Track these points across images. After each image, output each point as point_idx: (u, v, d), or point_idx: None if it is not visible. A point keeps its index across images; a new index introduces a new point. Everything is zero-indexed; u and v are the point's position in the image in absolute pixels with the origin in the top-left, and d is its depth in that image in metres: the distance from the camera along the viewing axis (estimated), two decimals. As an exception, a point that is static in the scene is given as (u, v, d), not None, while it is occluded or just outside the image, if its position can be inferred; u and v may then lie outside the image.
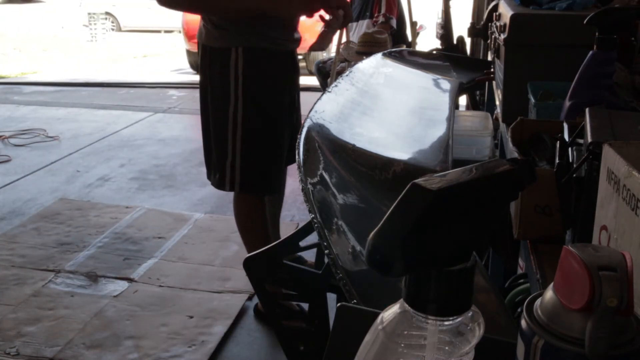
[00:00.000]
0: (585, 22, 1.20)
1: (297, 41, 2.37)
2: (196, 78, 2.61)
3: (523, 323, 0.43)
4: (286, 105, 2.34)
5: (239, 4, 2.17)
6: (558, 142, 1.00)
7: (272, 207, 2.59)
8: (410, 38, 4.57)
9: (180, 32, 8.87)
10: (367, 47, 3.42)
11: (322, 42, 4.05)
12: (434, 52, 3.52)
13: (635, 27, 1.56)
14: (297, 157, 1.34)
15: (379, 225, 0.40)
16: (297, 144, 1.39)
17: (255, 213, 2.43)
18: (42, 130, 5.33)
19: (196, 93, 2.49)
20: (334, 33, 2.21)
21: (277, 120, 2.30)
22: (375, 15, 4.33)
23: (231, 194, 2.47)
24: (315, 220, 1.14)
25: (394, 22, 4.28)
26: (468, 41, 4.03)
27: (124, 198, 3.93)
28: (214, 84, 2.26)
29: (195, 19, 3.48)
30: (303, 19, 2.36)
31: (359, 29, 4.45)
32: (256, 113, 2.24)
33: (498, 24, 1.93)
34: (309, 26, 8.40)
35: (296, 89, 2.45)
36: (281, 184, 2.58)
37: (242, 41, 2.17)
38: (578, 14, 1.61)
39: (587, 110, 0.91)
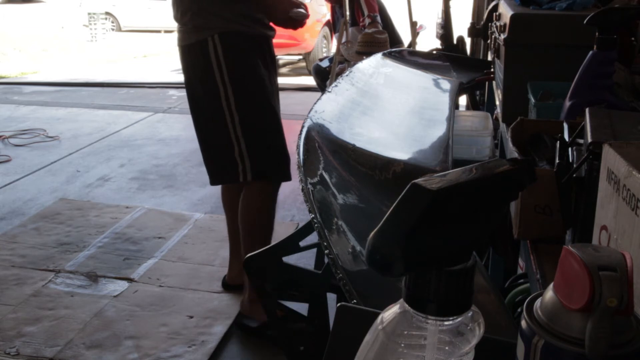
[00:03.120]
0: (585, 22, 1.20)
1: (272, 28, 2.40)
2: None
3: (523, 323, 0.43)
4: (272, 85, 2.37)
5: None
6: (558, 142, 1.00)
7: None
8: (411, 37, 4.56)
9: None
10: (367, 47, 3.42)
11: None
12: (434, 52, 3.52)
13: (635, 27, 1.56)
14: (297, 157, 1.34)
15: (379, 225, 0.40)
16: (297, 144, 1.39)
17: (270, 205, 2.43)
18: (42, 130, 5.34)
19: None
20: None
21: (268, 98, 2.33)
22: (361, 20, 4.30)
23: None
24: (315, 220, 1.14)
25: (379, 19, 4.25)
26: (468, 41, 4.03)
27: (124, 198, 3.93)
28: (200, 80, 2.29)
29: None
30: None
31: (346, 37, 4.43)
32: (246, 95, 2.27)
33: (498, 24, 1.94)
34: (309, 27, 8.42)
35: (275, 77, 2.46)
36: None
37: (216, 29, 2.21)
38: (578, 14, 1.61)
39: (587, 110, 0.91)
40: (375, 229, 0.40)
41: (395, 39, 4.50)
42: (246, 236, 2.47)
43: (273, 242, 1.77)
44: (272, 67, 2.43)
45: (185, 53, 2.32)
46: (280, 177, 2.41)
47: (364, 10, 4.23)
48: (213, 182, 2.49)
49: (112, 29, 13.34)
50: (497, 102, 2.00)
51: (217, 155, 2.38)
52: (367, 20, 4.15)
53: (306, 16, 2.33)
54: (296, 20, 2.29)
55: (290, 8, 2.27)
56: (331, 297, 1.65)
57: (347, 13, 4.57)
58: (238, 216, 2.49)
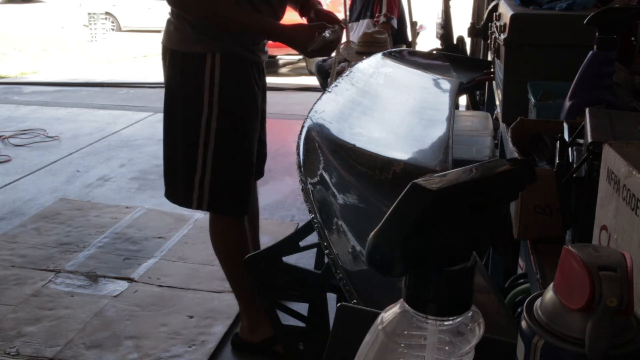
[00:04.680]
0: (585, 22, 1.20)
1: (267, 53, 2.24)
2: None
3: (523, 323, 0.43)
4: (258, 116, 2.21)
5: (242, 21, 2.01)
6: (558, 142, 1.00)
7: (251, 228, 2.42)
8: (410, 38, 4.57)
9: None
10: (367, 47, 3.42)
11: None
12: (434, 52, 3.52)
13: (635, 27, 1.56)
14: (297, 157, 1.34)
15: (379, 225, 0.40)
16: (297, 143, 1.39)
17: (235, 236, 2.26)
18: (42, 130, 5.33)
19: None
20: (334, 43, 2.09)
21: (250, 132, 2.15)
22: (376, 15, 4.33)
23: None
24: (315, 220, 1.14)
25: (394, 22, 4.28)
26: (468, 41, 4.03)
27: (124, 198, 3.93)
28: (185, 92, 2.08)
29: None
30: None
31: (359, 29, 4.45)
32: (230, 124, 2.08)
33: (498, 24, 1.94)
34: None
35: (264, 101, 2.29)
36: (253, 200, 2.42)
37: (220, 47, 2.02)
38: (578, 14, 1.61)
39: (587, 110, 0.91)
40: (375, 229, 0.40)
41: (404, 41, 4.52)
42: (224, 267, 2.35)
43: (273, 242, 1.77)
44: (264, 91, 2.26)
45: (176, 58, 2.08)
46: (236, 213, 2.24)
47: (382, 7, 4.25)
48: (167, 196, 2.26)
49: (112, 29, 13.35)
50: (497, 102, 2.00)
51: (175, 172, 2.17)
52: (382, 19, 4.16)
53: (335, 40, 2.06)
54: (322, 49, 2.05)
55: (311, 36, 2.00)
56: (331, 297, 1.65)
57: (348, 13, 4.57)
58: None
